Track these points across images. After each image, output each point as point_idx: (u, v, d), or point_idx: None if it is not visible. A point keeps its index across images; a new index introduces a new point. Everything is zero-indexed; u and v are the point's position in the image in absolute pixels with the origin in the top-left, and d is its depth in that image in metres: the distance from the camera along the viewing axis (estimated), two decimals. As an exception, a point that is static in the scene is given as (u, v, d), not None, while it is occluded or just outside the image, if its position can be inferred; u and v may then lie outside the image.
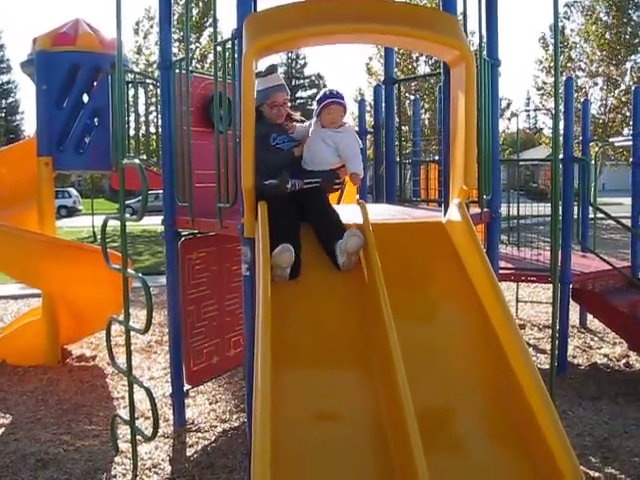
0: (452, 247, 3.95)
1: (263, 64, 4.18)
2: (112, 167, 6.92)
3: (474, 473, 2.85)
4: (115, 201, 40.95)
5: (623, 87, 26.23)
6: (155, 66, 25.07)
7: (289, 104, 4.44)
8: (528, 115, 62.94)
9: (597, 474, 4.70)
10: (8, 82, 58.68)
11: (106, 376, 6.85)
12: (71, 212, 35.06)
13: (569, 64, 26.49)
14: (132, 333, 4.64)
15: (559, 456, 2.73)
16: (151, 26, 26.16)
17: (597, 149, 11.83)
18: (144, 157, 6.94)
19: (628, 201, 8.12)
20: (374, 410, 3.00)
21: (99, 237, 9.31)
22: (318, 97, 4.17)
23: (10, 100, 58.76)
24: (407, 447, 2.67)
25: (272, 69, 4.26)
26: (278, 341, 3.11)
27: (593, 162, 9.70)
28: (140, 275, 4.40)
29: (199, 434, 5.28)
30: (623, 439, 5.27)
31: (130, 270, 4.49)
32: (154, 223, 16.64)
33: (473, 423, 3.08)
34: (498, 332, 3.35)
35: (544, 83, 27.54)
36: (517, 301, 9.44)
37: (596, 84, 26.96)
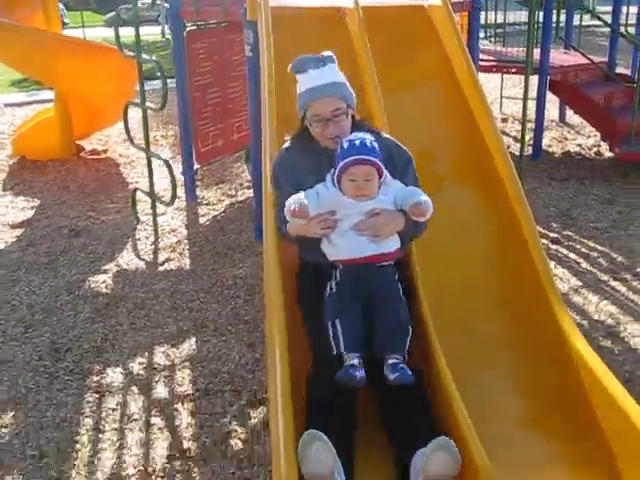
0: (434, 31, 4.39)
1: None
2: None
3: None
4: (101, 13, 39.95)
5: None
6: None
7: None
8: None
9: (557, 235, 5.44)
10: None
11: (119, 166, 7.47)
12: (58, 25, 34.26)
13: None
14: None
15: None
16: None
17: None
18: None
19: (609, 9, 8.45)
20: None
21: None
22: (335, 159, 2.58)
23: None
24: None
25: (304, 64, 2.72)
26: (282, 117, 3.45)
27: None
28: (154, 59, 4.86)
29: (209, 207, 6.01)
30: (583, 210, 6.01)
31: (145, 55, 4.95)
32: (149, 33, 16.72)
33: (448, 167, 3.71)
34: (471, 105, 3.87)
35: None
36: (501, 97, 9.90)
37: None
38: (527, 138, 7.83)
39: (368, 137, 2.55)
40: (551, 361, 2.83)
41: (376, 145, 2.54)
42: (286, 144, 2.89)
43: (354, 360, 2.33)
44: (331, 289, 2.55)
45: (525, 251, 3.13)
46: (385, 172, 2.56)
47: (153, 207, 5.36)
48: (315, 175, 2.64)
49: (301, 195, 2.50)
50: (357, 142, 2.51)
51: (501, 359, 2.95)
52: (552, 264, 4.79)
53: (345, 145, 2.53)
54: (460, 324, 3.00)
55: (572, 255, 5.11)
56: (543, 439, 2.57)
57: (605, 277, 4.75)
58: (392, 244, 2.61)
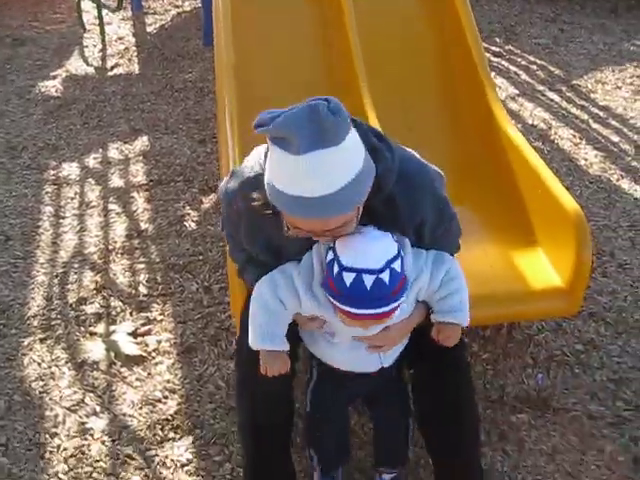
0: None
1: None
2: None
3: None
4: None
5: None
6: None
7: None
8: None
9: (499, 49, 5.59)
10: None
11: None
12: None
13: None
14: None
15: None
16: None
17: None
18: None
19: None
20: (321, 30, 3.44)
21: None
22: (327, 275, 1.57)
23: None
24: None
25: (281, 135, 1.35)
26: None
27: None
28: None
29: (156, 16, 5.96)
30: (527, 26, 6.12)
31: None
32: None
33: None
34: None
35: None
36: None
37: None
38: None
39: (384, 259, 1.49)
40: (479, 138, 3.07)
41: (399, 267, 1.52)
42: (251, 160, 1.66)
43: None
44: (313, 377, 1.92)
45: (469, 59, 3.28)
46: (406, 291, 1.58)
47: (99, 14, 5.30)
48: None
49: (273, 335, 1.68)
50: (368, 282, 1.48)
51: (436, 146, 3.16)
52: (492, 74, 4.96)
53: (347, 280, 1.49)
54: (402, 120, 3.19)
55: (512, 67, 5.29)
56: (467, 209, 2.84)
57: (541, 88, 4.96)
58: (397, 352, 1.83)
